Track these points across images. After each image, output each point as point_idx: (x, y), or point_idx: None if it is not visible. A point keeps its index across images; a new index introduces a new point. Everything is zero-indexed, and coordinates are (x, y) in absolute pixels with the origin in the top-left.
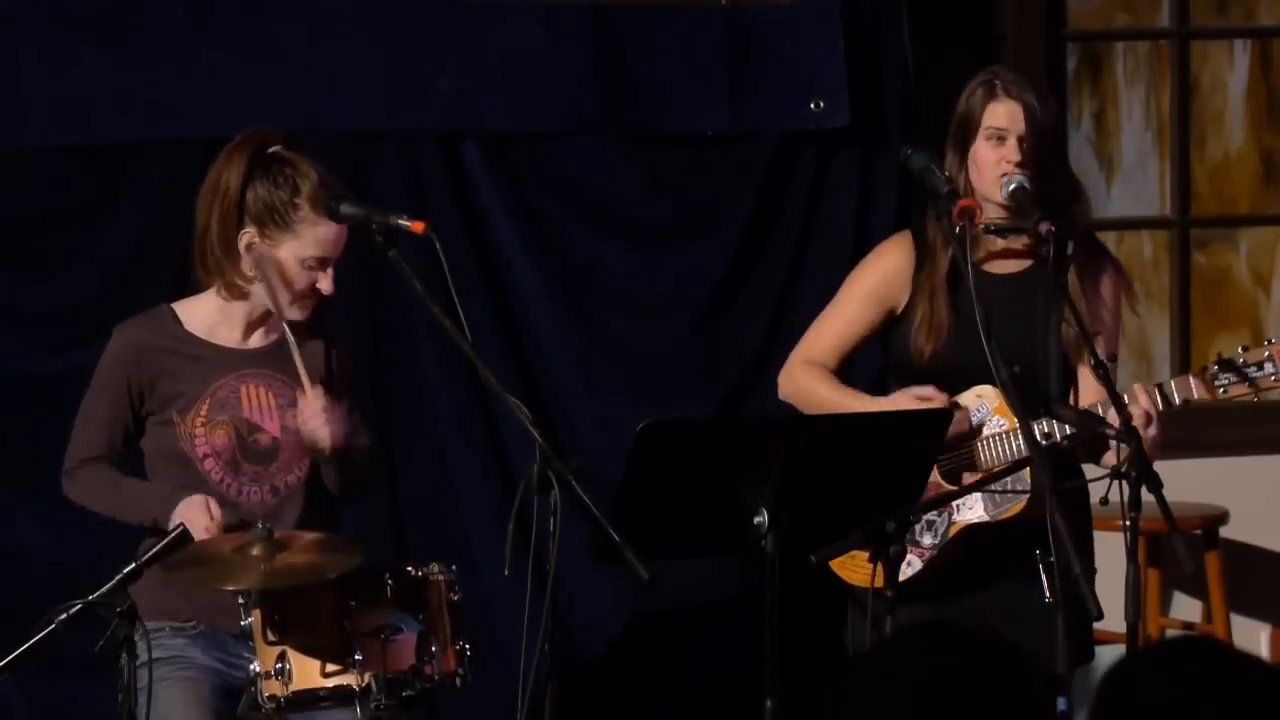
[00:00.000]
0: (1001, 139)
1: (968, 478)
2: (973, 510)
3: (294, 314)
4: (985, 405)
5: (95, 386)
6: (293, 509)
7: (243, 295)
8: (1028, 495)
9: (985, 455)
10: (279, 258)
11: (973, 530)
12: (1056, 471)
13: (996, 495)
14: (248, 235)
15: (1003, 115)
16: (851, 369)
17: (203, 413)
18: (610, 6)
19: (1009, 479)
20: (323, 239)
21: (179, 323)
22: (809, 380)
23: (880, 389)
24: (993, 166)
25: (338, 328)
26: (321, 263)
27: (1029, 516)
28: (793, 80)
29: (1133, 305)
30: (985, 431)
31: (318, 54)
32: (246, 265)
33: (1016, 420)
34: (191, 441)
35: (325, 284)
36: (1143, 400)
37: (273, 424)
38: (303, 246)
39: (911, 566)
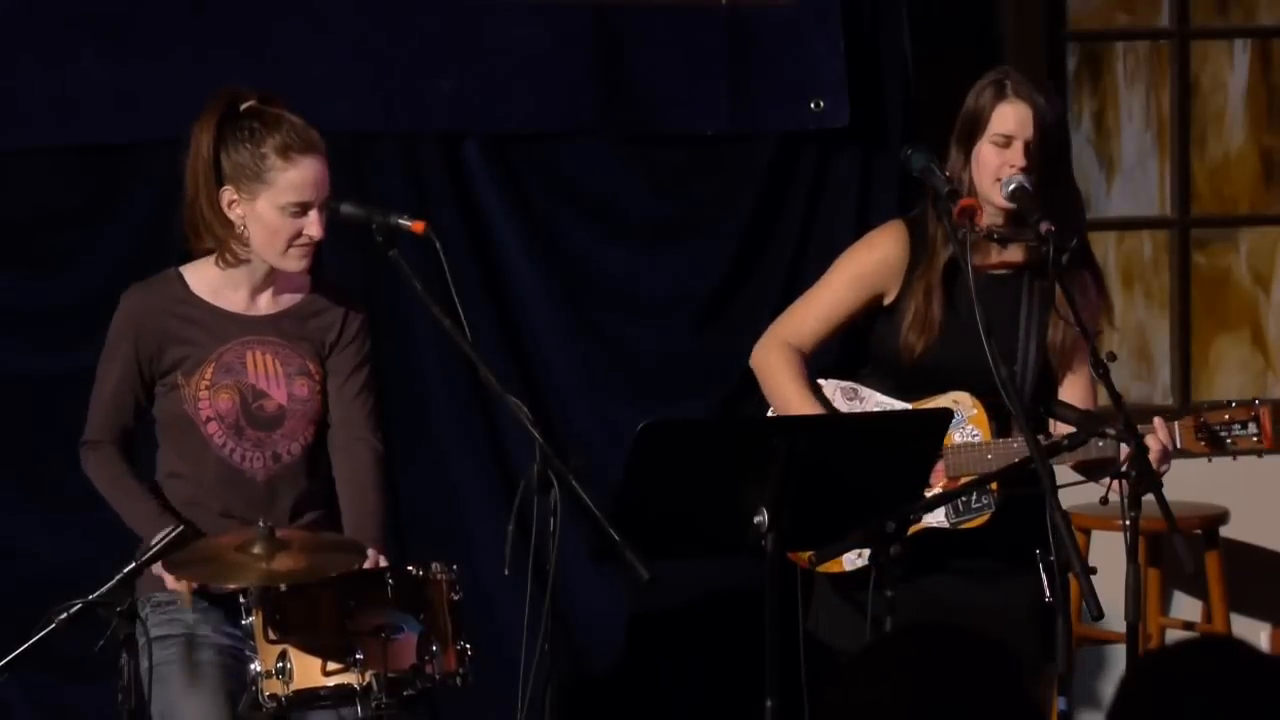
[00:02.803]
0: (1007, 143)
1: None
2: (933, 515)
3: (290, 264)
4: (960, 412)
5: (105, 352)
6: (296, 479)
7: (242, 260)
8: (991, 510)
9: (953, 462)
10: (259, 210)
11: (928, 534)
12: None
13: (959, 504)
14: (227, 194)
15: (1011, 119)
16: (826, 355)
17: (207, 376)
18: (610, 6)
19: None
20: (296, 183)
21: (186, 286)
22: (781, 364)
23: (845, 374)
24: (994, 169)
25: (354, 295)
26: (302, 207)
27: (987, 526)
28: (793, 80)
29: (1110, 319)
30: (956, 439)
31: (317, 54)
32: (237, 225)
33: (1016, 419)
34: (195, 405)
35: (313, 229)
36: (1161, 435)
37: (279, 391)
38: (279, 194)
39: (862, 557)
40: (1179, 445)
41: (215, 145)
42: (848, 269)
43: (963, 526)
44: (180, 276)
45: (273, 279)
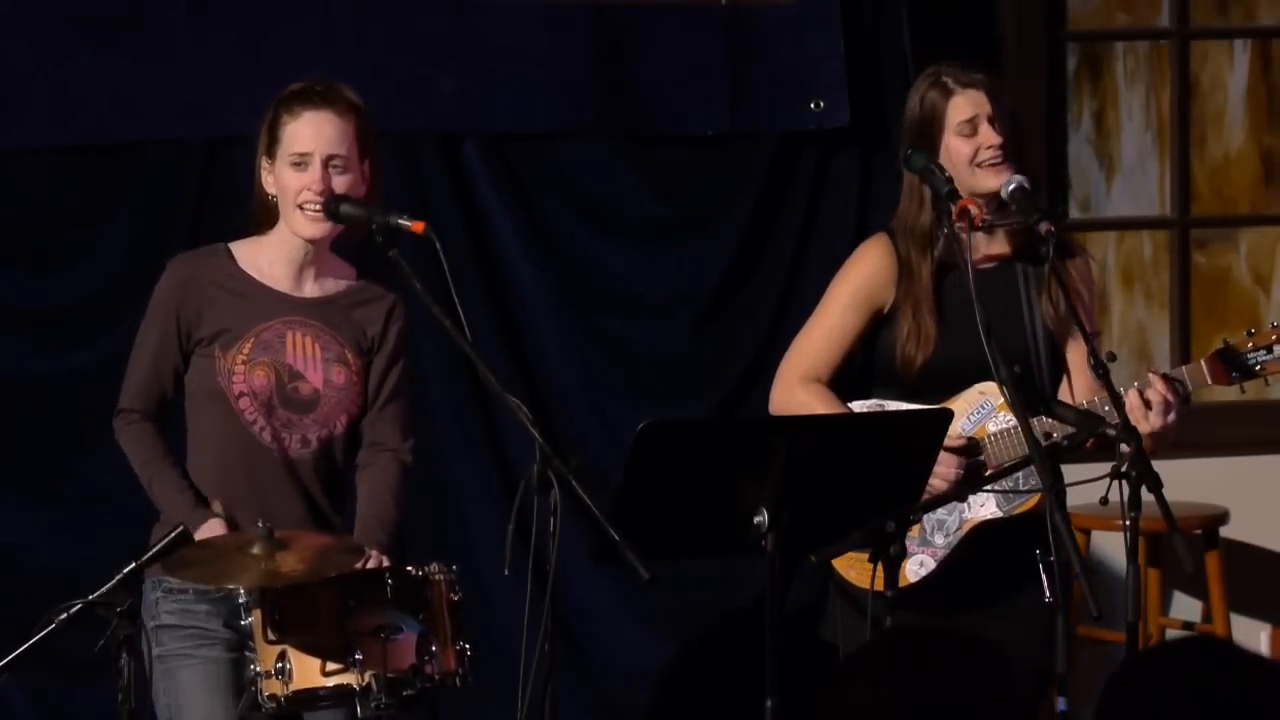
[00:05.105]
0: (974, 128)
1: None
2: (984, 507)
3: (299, 224)
4: (990, 402)
5: (146, 319)
6: (317, 466)
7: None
8: (1040, 492)
9: (993, 451)
10: (278, 172)
11: (984, 527)
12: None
13: (1008, 492)
14: (264, 166)
15: (966, 105)
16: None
17: (244, 351)
18: (610, 6)
19: (1019, 475)
20: (298, 135)
21: (233, 260)
22: (811, 399)
23: (859, 390)
24: (969, 155)
25: (397, 287)
26: (302, 158)
27: (1040, 512)
28: (793, 80)
29: (1093, 294)
30: (990, 428)
31: (318, 54)
32: (270, 194)
33: (1018, 421)
34: (229, 378)
35: (310, 179)
36: (1159, 386)
37: (316, 375)
38: (284, 148)
39: (925, 567)
40: (1209, 383)
41: (268, 129)
42: (843, 292)
43: (1016, 513)
44: (228, 251)
45: (314, 258)
